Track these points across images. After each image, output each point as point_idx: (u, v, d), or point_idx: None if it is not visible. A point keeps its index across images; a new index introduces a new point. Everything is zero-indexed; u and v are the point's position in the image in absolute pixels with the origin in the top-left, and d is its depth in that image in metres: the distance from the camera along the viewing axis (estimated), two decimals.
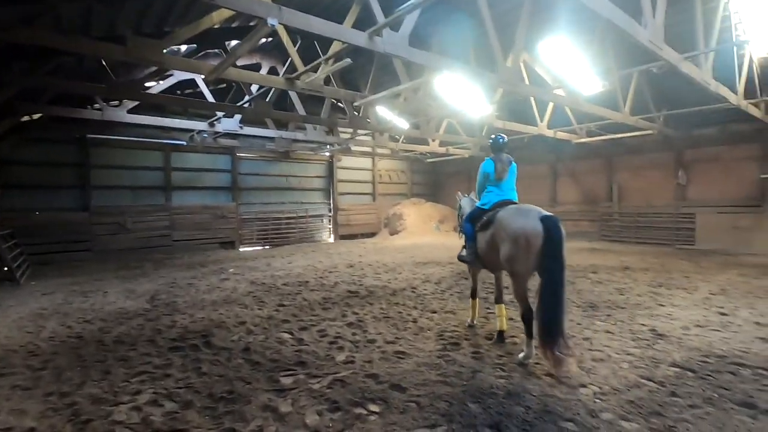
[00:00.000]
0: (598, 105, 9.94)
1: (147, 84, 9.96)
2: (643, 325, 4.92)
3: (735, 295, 6.42)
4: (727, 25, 8.45)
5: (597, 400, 3.11)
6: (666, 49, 5.87)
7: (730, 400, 3.08)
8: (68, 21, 6.77)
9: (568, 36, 8.90)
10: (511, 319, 4.89)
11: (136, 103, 10.17)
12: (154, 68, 8.85)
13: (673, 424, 2.76)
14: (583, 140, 13.73)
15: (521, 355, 3.92)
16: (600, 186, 15.74)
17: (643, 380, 3.44)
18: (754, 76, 10.09)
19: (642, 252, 11.93)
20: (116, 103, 10.66)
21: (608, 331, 4.71)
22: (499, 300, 4.63)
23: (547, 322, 3.54)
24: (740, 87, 9.04)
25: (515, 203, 4.30)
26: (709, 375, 3.52)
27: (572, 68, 9.40)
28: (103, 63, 8.39)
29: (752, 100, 9.97)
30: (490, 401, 3.10)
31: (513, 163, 4.49)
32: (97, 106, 10.06)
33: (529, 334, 3.88)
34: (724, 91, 8.24)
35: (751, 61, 9.59)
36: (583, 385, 3.35)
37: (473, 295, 5.03)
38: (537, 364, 3.79)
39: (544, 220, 3.73)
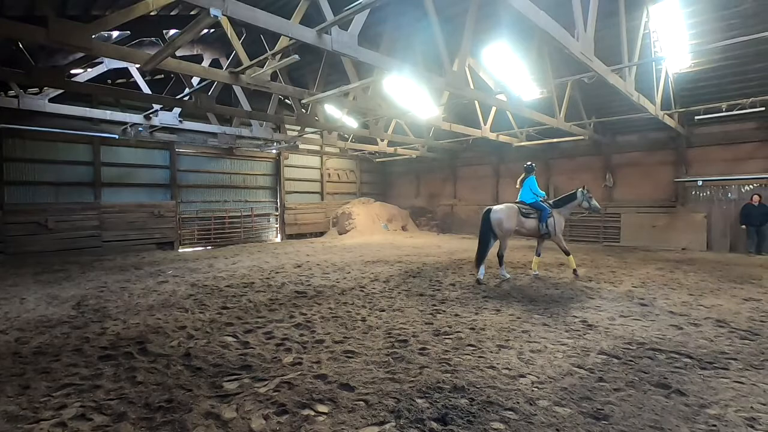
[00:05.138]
0: (537, 111, 10.55)
1: (73, 71, 9.14)
2: (575, 317, 5.30)
3: (653, 287, 7.10)
4: (648, 42, 9.30)
5: (534, 389, 3.30)
6: (595, 61, 6.35)
7: (649, 383, 3.41)
8: None
9: (510, 45, 9.38)
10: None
11: (60, 91, 9.27)
12: (80, 54, 8.15)
13: (601, 407, 3.00)
14: (523, 144, 14.49)
15: (502, 273, 7.86)
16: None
17: (575, 368, 3.70)
18: (670, 89, 11.22)
19: (575, 249, 12.76)
20: (36, 90, 9.68)
21: (545, 324, 5.02)
22: (537, 254, 8.61)
23: (478, 256, 7.59)
24: (658, 98, 10.00)
25: (517, 202, 8.22)
26: (631, 360, 3.87)
27: (513, 75, 9.92)
28: (20, 46, 7.58)
29: (668, 111, 11.08)
30: (436, 395, 3.19)
31: (530, 177, 8.32)
32: (12, 93, 9.06)
33: (500, 264, 7.89)
34: (645, 102, 9.07)
35: (667, 75, 10.64)
36: (522, 375, 3.55)
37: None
38: (480, 357, 3.96)
39: (485, 210, 7.77)
